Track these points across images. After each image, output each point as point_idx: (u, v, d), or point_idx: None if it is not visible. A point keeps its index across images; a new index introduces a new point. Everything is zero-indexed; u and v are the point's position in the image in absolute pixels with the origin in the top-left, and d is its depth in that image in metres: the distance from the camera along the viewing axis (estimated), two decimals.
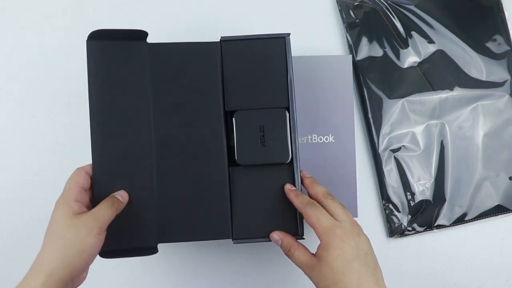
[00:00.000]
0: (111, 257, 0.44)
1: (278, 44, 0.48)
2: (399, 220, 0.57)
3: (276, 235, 0.45)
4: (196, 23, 0.61)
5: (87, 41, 0.44)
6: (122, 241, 0.45)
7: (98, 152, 0.45)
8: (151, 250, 0.45)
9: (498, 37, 0.60)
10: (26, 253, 0.57)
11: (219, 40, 0.47)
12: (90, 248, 0.39)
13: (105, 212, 0.41)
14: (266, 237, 0.46)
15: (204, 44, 0.48)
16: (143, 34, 0.47)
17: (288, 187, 0.46)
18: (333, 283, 0.39)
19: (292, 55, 0.48)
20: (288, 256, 0.44)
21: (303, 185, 0.47)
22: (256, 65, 0.47)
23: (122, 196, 0.44)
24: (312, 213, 0.42)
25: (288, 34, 0.47)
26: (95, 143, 0.45)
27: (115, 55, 0.46)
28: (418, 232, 0.57)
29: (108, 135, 0.45)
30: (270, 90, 0.47)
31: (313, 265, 0.41)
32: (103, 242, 0.40)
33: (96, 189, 0.44)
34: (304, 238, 0.46)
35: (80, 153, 0.58)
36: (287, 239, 0.44)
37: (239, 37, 0.47)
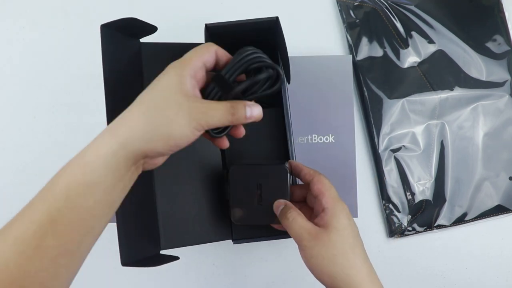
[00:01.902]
0: (135, 266, 0.41)
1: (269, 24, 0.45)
2: (399, 220, 0.57)
3: (281, 200, 0.42)
4: (196, 23, 0.61)
5: (101, 26, 0.42)
6: (127, 252, 0.42)
7: None
8: (173, 257, 0.44)
9: (498, 37, 0.60)
10: None
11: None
12: (180, 138, 0.33)
13: (218, 115, 0.34)
14: (265, 236, 0.46)
15: (193, 45, 0.47)
16: (152, 28, 0.46)
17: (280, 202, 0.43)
18: (342, 252, 0.37)
19: (293, 55, 0.48)
20: (286, 224, 0.40)
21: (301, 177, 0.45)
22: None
23: (252, 110, 0.35)
24: (325, 181, 0.41)
25: (277, 18, 0.45)
26: None
27: (115, 47, 0.44)
28: (418, 232, 0.57)
29: None
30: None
31: (318, 232, 0.38)
32: (195, 139, 0.34)
33: None
34: None
35: None
36: (290, 203, 0.42)
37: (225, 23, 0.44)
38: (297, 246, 0.40)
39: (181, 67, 0.33)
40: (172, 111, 0.32)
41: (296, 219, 0.39)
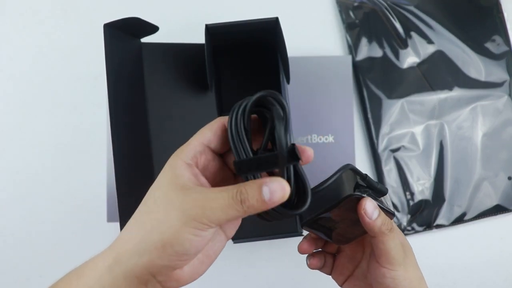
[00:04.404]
0: None
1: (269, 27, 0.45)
2: (398, 220, 0.57)
3: (372, 203, 0.33)
4: (196, 23, 0.61)
5: (104, 25, 0.42)
6: None
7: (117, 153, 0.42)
8: None
9: (497, 38, 0.60)
10: (27, 253, 0.58)
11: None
12: (179, 244, 0.26)
13: (219, 207, 0.26)
14: (266, 236, 0.46)
15: (196, 45, 0.48)
16: (154, 28, 0.47)
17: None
18: (421, 275, 0.36)
19: (292, 56, 0.48)
20: (382, 233, 0.33)
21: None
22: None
23: (272, 190, 0.25)
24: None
25: (276, 18, 0.45)
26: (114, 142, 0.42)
27: (118, 46, 0.44)
28: (417, 231, 0.58)
29: (120, 128, 0.43)
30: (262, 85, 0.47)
31: (405, 251, 0.35)
32: (206, 243, 0.27)
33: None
34: (303, 235, 0.46)
35: (80, 153, 0.58)
36: (383, 213, 0.34)
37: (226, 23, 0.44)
38: (380, 264, 0.35)
39: (175, 156, 0.28)
40: (161, 212, 0.26)
41: (394, 237, 0.34)
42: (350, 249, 0.41)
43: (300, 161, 0.27)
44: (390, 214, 0.36)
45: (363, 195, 0.33)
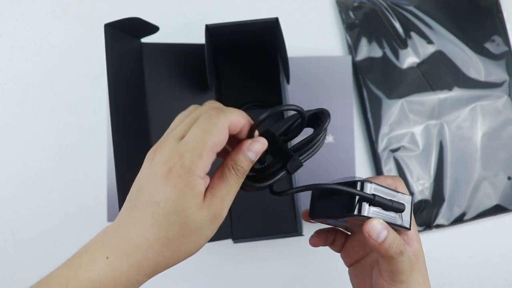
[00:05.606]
0: None
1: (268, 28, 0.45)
2: None
3: (379, 223, 0.31)
4: (196, 23, 0.61)
5: (104, 25, 0.42)
6: None
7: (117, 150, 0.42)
8: None
9: (497, 38, 0.60)
10: (27, 252, 0.58)
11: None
12: (203, 244, 0.30)
13: (224, 185, 0.29)
14: (266, 236, 0.46)
15: (196, 46, 0.48)
16: (154, 28, 0.47)
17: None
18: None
19: (292, 56, 0.48)
20: (389, 257, 0.32)
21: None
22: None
23: (254, 148, 0.30)
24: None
25: (276, 18, 0.46)
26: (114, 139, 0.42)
27: (119, 46, 0.44)
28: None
29: (120, 128, 0.43)
30: (262, 85, 0.47)
31: (414, 265, 0.34)
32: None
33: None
34: (303, 235, 0.46)
35: (80, 153, 0.58)
36: (395, 233, 0.32)
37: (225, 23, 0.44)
38: (381, 275, 0.34)
39: (191, 174, 0.27)
40: (193, 234, 0.28)
41: (405, 253, 0.32)
42: (363, 236, 0.39)
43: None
44: (405, 229, 0.33)
45: (369, 216, 0.30)
